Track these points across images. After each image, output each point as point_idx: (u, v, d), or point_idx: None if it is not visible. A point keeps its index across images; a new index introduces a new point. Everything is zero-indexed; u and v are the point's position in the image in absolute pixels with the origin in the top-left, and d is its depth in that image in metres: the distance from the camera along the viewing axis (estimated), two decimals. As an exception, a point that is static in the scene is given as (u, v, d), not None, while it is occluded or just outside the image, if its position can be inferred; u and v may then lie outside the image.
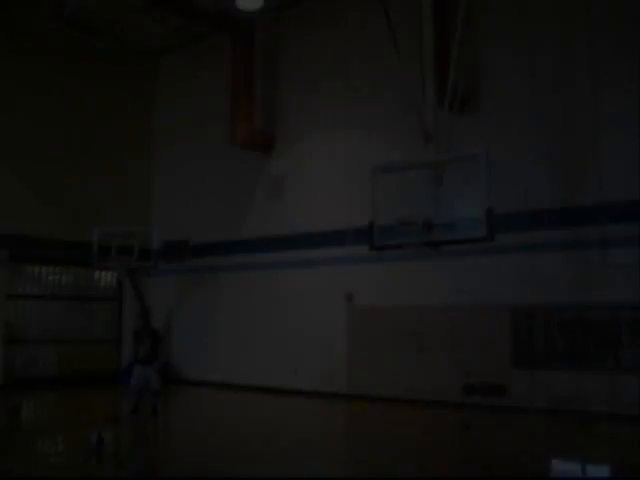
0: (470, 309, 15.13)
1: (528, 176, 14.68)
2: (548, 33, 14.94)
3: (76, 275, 21.00)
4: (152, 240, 19.71)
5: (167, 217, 21.84)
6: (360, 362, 16.78)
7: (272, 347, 18.55)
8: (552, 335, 14.61)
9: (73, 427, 13.17)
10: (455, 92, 12.91)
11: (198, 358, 20.36)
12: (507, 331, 14.64)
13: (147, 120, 22.83)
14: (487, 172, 10.72)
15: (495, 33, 15.56)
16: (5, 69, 19.13)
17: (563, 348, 14.52)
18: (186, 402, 17.98)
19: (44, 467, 9.68)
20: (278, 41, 19.85)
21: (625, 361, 13.50)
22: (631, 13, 13.89)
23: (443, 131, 12.40)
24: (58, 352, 20.26)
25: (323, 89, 18.43)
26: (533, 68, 14.97)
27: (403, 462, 9.99)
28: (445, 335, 15.45)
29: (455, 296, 15.37)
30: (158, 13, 19.42)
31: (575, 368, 13.86)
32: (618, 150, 13.67)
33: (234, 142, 18.90)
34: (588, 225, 13.90)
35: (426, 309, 15.81)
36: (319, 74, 18.61)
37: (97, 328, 21.51)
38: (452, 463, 10.24)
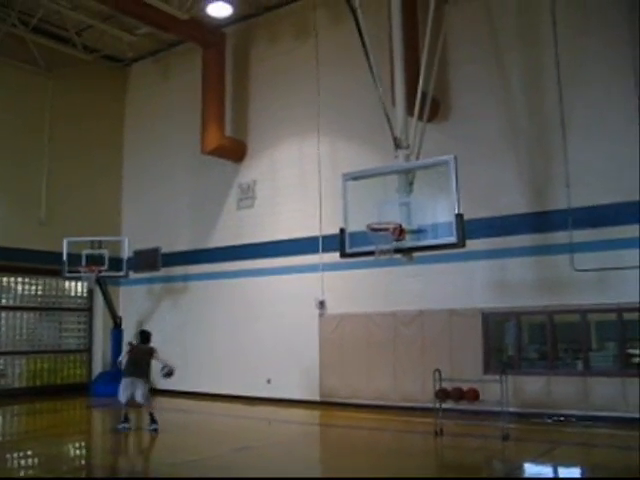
0: (441, 315, 15.24)
1: (498, 183, 14.87)
2: (516, 43, 15.17)
3: (46, 285, 20.78)
4: (123, 249, 19.59)
5: (137, 226, 21.71)
6: (332, 369, 16.79)
7: (244, 355, 18.47)
8: (523, 339, 14.79)
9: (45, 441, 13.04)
10: (425, 100, 13.05)
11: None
12: (478, 335, 14.77)
13: (117, 129, 22.74)
14: (457, 179, 10.85)
15: (464, 44, 15.70)
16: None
17: (534, 352, 14.71)
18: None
19: None
20: (248, 50, 19.86)
21: (594, 364, 13.69)
22: (597, 20, 14.15)
23: (413, 139, 12.53)
24: (28, 363, 20.03)
25: (293, 97, 18.49)
26: (501, 78, 15.19)
27: (375, 467, 10.03)
28: (417, 341, 15.54)
29: (427, 302, 15.48)
30: (128, 21, 19.37)
31: (546, 372, 14.04)
32: (585, 157, 13.89)
33: (205, 150, 18.87)
34: (557, 230, 14.09)
35: (397, 315, 15.89)
36: (290, 82, 18.65)
37: (68, 338, 21.28)
38: (424, 468, 10.30)
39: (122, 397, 13.12)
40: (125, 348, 14.73)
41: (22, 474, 10.24)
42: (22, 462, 11.27)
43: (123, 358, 13.83)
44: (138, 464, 11.01)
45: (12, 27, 19.18)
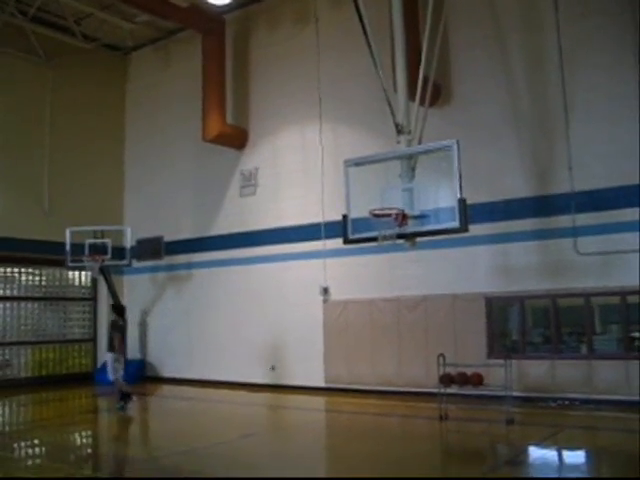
0: (445, 300, 15.27)
1: (500, 167, 14.85)
2: (517, 27, 15.11)
3: (50, 275, 20.82)
4: (126, 238, 19.61)
5: (140, 215, 21.73)
6: (336, 355, 16.84)
7: (248, 342, 18.53)
8: (526, 323, 14.81)
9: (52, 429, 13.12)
10: (426, 86, 13.00)
11: (174, 355, 20.30)
12: (482, 320, 14.80)
13: (119, 118, 22.72)
14: (459, 163, 10.83)
15: (465, 28, 15.64)
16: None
17: (537, 336, 14.73)
18: (159, 400, 17.93)
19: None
20: (249, 37, 19.79)
21: (598, 348, 13.71)
22: (598, 3, 14.08)
23: (415, 124, 12.49)
24: (33, 353, 20.12)
25: (294, 84, 18.44)
26: (503, 62, 15.13)
27: (381, 452, 10.08)
28: (420, 326, 15.58)
29: (430, 287, 15.51)
30: (127, 9, 19.30)
31: (550, 356, 14.06)
32: (587, 141, 13.86)
33: (206, 138, 18.83)
34: (559, 214, 14.08)
35: (401, 300, 15.92)
36: (290, 69, 18.60)
37: (72, 328, 21.35)
38: (429, 453, 10.36)
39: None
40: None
41: (30, 463, 10.29)
42: (30, 451, 11.36)
43: None
44: (146, 452, 11.06)
45: (11, 16, 19.08)
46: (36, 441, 11.85)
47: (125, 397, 14.32)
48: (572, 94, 14.09)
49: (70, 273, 21.13)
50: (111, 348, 14.57)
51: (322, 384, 16.95)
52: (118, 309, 15.30)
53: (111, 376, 14.42)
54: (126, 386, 14.53)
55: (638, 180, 13.03)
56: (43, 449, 11.41)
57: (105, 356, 14.59)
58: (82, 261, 18.84)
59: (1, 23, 18.95)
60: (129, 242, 19.66)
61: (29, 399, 17.60)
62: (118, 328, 14.70)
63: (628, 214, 13.26)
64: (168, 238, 20.57)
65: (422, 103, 12.92)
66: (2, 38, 19.17)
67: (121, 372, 14.44)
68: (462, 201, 10.73)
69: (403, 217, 11.26)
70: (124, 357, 14.79)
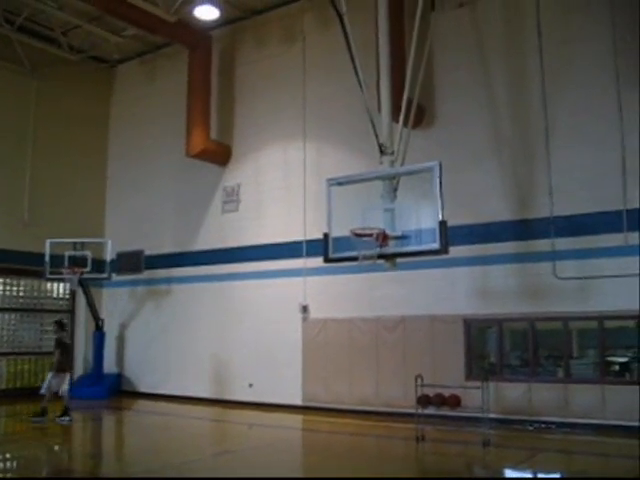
0: (424, 321, 15.29)
1: (481, 190, 14.95)
2: (501, 50, 15.28)
3: (28, 286, 20.63)
4: (106, 251, 19.51)
5: (121, 228, 21.62)
6: (315, 374, 16.78)
7: (226, 359, 18.44)
8: (504, 346, 14.86)
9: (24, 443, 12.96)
10: (410, 107, 13.09)
11: (151, 370, 20.14)
12: (460, 342, 14.83)
13: (103, 130, 22.66)
14: (441, 185, 10.90)
15: (450, 51, 15.79)
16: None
17: (515, 359, 14.78)
18: (132, 414, 17.77)
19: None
20: (235, 53, 19.86)
21: (575, 372, 13.78)
22: (581, 30, 14.28)
23: (398, 145, 12.57)
24: (8, 364, 19.89)
25: (279, 101, 18.50)
26: (486, 85, 15.28)
27: (356, 471, 10.04)
28: (399, 346, 15.58)
29: (409, 308, 15.53)
30: (115, 22, 19.31)
31: (527, 379, 14.11)
32: (568, 166, 13.99)
33: (190, 153, 18.83)
34: (539, 238, 14.18)
35: (380, 321, 15.92)
36: (276, 86, 18.66)
37: (49, 340, 21.07)
38: (404, 473, 10.33)
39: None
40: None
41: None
42: (0, 465, 11.20)
43: None
44: (117, 468, 10.94)
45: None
46: (7, 455, 11.70)
47: (66, 411, 14.49)
48: (554, 118, 14.25)
49: (48, 284, 20.96)
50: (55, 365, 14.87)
51: (300, 402, 16.88)
52: (59, 325, 15.41)
53: (43, 390, 14.70)
54: (68, 401, 14.73)
55: (622, 205, 13.16)
56: (14, 464, 11.26)
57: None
58: (61, 273, 18.73)
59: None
60: (109, 255, 19.55)
61: (2, 411, 17.36)
62: (60, 345, 14.86)
63: (607, 239, 13.38)
64: (149, 252, 20.47)
65: (406, 124, 13.01)
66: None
67: (65, 387, 14.64)
68: (443, 223, 10.79)
69: (384, 237, 11.29)
70: (70, 373, 15.34)
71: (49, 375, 14.92)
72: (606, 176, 13.50)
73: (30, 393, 19.40)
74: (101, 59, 22.30)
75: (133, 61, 22.32)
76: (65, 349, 15.00)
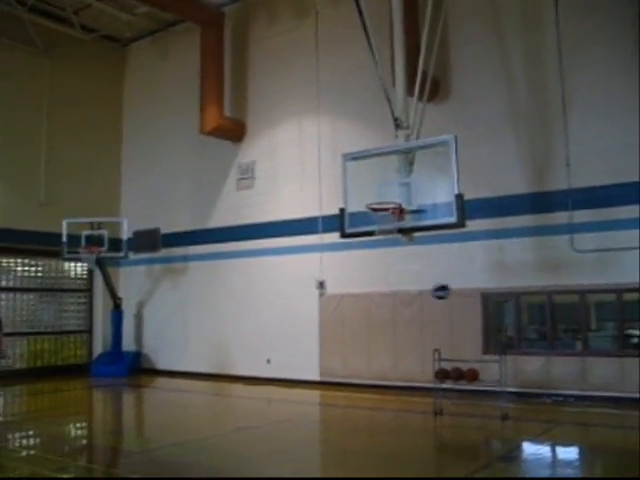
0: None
1: (498, 163, 14.83)
2: (517, 23, 15.09)
3: (46, 266, 20.79)
4: (122, 230, 19.59)
5: (137, 207, 21.68)
6: (332, 349, 16.85)
7: (244, 335, 18.54)
8: (522, 320, 14.83)
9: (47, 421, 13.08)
10: (425, 80, 12.98)
11: (169, 347, 20.30)
12: (478, 316, 14.82)
13: (117, 109, 22.65)
14: (457, 159, 10.83)
15: (465, 24, 15.61)
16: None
17: (533, 333, 14.75)
18: (151, 391, 17.93)
19: None
20: (248, 29, 19.73)
21: (593, 345, 13.74)
22: (598, 3, 14.06)
23: (413, 119, 12.49)
24: (29, 344, 20.11)
25: (293, 77, 18.41)
26: (502, 58, 15.11)
27: (374, 446, 10.09)
28: (416, 321, 15.59)
29: (426, 282, 15.50)
30: (126, 0, 19.23)
31: (545, 353, 14.09)
32: (585, 138, 13.85)
33: (204, 131, 18.80)
34: (556, 211, 14.08)
35: (397, 295, 15.92)
36: (289, 61, 18.55)
37: (68, 319, 21.33)
38: (423, 447, 10.37)
39: None
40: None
41: (24, 454, 10.27)
42: (24, 442, 11.34)
43: None
44: (139, 444, 11.06)
45: (9, 6, 19.00)
46: (30, 432, 11.85)
47: None
48: (571, 91, 14.08)
49: (66, 264, 21.10)
50: None
51: (317, 378, 16.96)
52: None
53: None
54: None
55: (638, 177, 13.04)
56: (37, 440, 11.41)
57: None
58: (78, 252, 18.85)
59: (-1, 12, 18.90)
60: (125, 234, 19.63)
61: (24, 390, 17.59)
62: None
63: (625, 211, 13.26)
64: (165, 230, 20.53)
65: (420, 98, 12.92)
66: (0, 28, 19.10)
67: None
68: (459, 196, 10.74)
69: (400, 212, 11.26)
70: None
71: None
72: (624, 148, 13.35)
73: (50, 372, 19.71)
74: (113, 38, 22.23)
75: (145, 40, 22.23)
76: None
